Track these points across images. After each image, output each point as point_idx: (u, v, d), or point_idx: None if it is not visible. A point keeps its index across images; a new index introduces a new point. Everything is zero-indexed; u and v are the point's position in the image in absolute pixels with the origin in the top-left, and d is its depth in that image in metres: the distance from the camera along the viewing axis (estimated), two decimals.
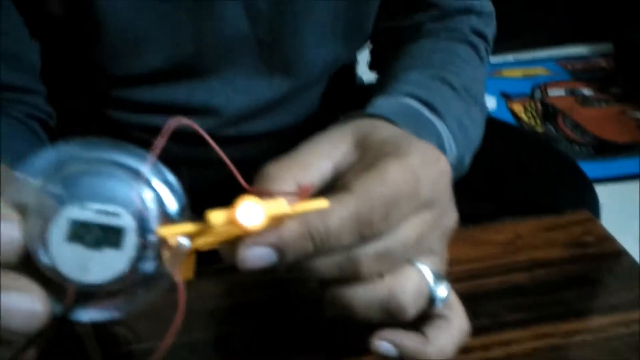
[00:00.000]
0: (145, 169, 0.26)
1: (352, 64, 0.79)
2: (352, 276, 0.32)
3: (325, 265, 0.32)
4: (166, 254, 0.26)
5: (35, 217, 0.24)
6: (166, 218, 0.27)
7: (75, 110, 0.64)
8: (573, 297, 0.48)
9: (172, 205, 0.27)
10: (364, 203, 0.30)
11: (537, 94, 2.15)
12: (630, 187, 1.72)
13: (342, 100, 0.71)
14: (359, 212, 0.30)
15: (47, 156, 0.26)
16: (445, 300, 0.35)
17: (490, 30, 0.66)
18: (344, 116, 0.43)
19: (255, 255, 0.29)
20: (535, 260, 0.51)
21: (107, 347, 0.43)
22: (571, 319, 0.46)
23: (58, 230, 0.24)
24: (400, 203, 0.31)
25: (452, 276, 0.38)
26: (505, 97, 2.11)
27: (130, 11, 0.54)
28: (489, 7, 0.67)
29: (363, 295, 0.33)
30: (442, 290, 0.35)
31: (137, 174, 0.26)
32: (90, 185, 0.25)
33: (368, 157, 0.33)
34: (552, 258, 0.51)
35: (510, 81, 2.20)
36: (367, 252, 0.31)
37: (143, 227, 0.25)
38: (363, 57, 0.75)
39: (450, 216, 0.36)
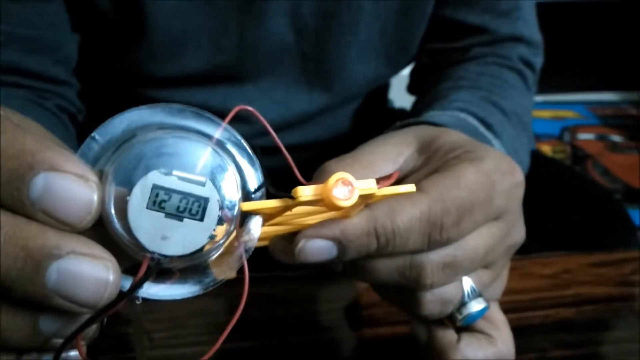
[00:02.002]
0: (229, 140, 0.25)
1: (386, 86, 0.78)
2: (413, 284, 0.30)
3: (386, 267, 0.30)
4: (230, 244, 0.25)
5: (113, 182, 0.23)
6: (246, 194, 0.25)
7: (105, 108, 0.64)
8: (623, 336, 0.46)
9: (253, 181, 0.26)
10: (437, 205, 0.28)
11: (567, 137, 2.13)
12: None
13: (375, 120, 0.70)
14: (431, 213, 0.28)
15: (127, 119, 0.24)
16: (477, 316, 0.33)
17: (538, 60, 0.65)
18: (400, 122, 0.42)
19: (315, 248, 0.28)
20: (583, 296, 0.49)
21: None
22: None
23: (139, 196, 0.22)
24: (474, 209, 0.29)
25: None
26: (534, 136, 2.10)
27: (177, 13, 0.54)
28: (538, 38, 0.65)
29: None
30: (478, 305, 0.33)
31: (220, 145, 0.25)
32: (173, 151, 0.23)
33: (435, 161, 0.32)
34: (601, 295, 0.49)
35: (539, 121, 2.18)
36: (433, 259, 0.30)
37: (224, 200, 0.24)
38: (396, 81, 0.75)
39: (519, 231, 0.34)
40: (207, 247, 0.23)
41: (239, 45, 0.57)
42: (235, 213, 0.24)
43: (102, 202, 0.22)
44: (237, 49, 0.57)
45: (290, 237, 0.28)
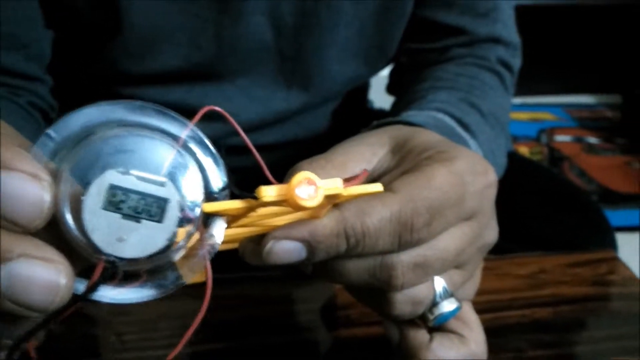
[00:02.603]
0: (192, 139, 0.24)
1: (365, 86, 0.78)
2: (384, 285, 0.30)
3: (356, 268, 0.30)
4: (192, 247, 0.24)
5: (68, 181, 0.22)
6: (209, 195, 0.24)
7: (80, 105, 0.62)
8: (599, 335, 0.46)
9: (217, 181, 0.25)
10: (407, 205, 0.28)
11: (544, 138, 2.15)
12: (630, 238, 1.67)
13: (353, 120, 0.70)
14: (401, 214, 0.28)
15: (85, 115, 0.23)
16: (449, 316, 0.33)
17: (516, 62, 0.65)
18: (376, 122, 0.41)
19: (284, 249, 0.27)
20: (559, 296, 0.49)
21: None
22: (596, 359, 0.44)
23: (95, 196, 0.22)
24: (445, 210, 0.29)
25: (474, 307, 0.36)
26: (511, 138, 2.11)
27: (154, 9, 0.53)
28: (517, 39, 0.66)
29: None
30: (449, 305, 0.33)
31: (183, 144, 0.24)
32: (133, 150, 0.22)
33: (408, 161, 0.31)
34: (577, 295, 0.49)
35: (517, 123, 2.20)
36: (403, 260, 0.29)
37: (185, 201, 0.23)
38: (375, 81, 0.74)
39: (491, 232, 0.34)
40: (168, 249, 0.23)
41: (217, 44, 0.56)
42: (197, 214, 0.23)
43: (56, 202, 0.21)
44: (215, 47, 0.56)
45: (260, 239, 0.28)
